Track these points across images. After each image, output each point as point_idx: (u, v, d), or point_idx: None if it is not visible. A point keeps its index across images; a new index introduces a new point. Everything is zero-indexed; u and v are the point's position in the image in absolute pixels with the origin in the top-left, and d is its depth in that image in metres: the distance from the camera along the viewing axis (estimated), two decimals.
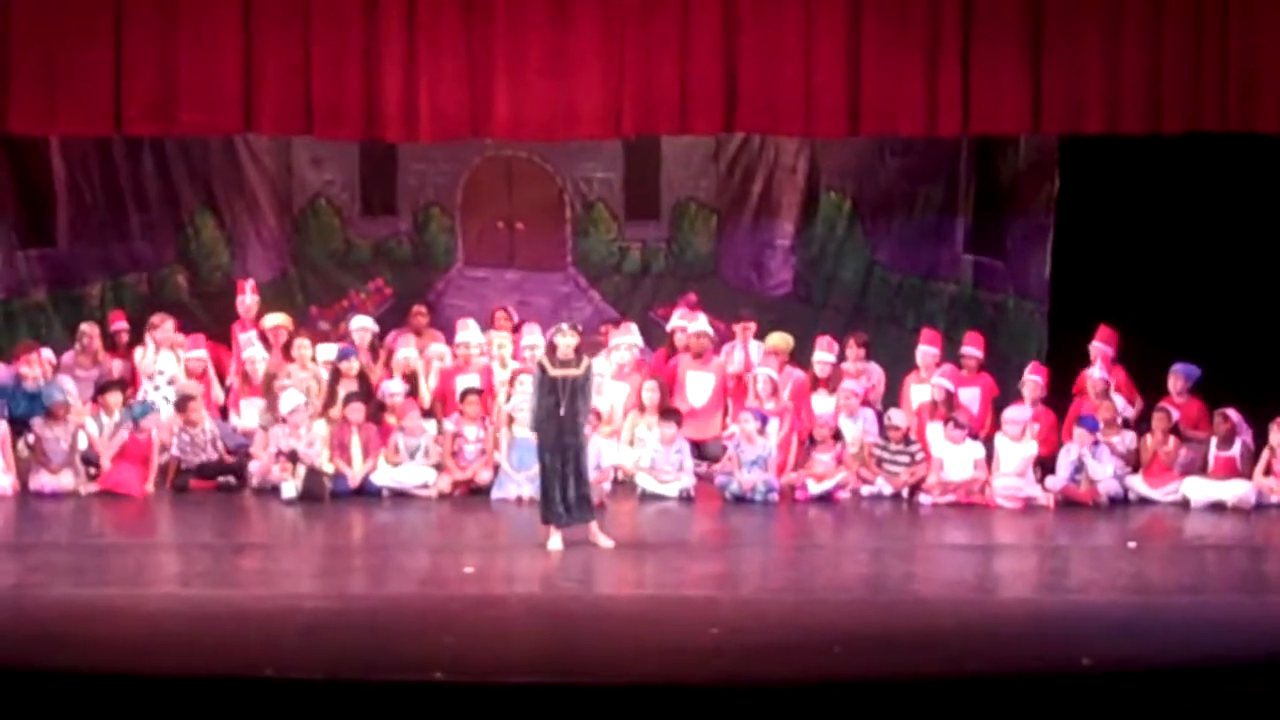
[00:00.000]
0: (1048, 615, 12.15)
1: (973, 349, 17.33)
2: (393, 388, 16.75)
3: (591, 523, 14.04)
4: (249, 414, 17.09)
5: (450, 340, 17.57)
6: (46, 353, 17.04)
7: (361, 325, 17.58)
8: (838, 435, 16.52)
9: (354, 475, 16.16)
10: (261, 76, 16.18)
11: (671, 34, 16.15)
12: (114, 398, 16.55)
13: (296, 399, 16.34)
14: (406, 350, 17.19)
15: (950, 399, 16.80)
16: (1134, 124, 16.16)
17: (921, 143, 18.08)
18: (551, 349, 14.12)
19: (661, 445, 16.39)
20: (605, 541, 14.00)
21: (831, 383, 17.05)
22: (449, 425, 16.53)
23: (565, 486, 13.85)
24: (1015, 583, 13.72)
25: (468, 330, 17.39)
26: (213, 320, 18.42)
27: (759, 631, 11.41)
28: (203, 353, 17.35)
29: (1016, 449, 16.17)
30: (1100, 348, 16.90)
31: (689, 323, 17.76)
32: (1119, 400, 16.64)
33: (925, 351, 17.24)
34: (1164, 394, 16.63)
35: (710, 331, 17.53)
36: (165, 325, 17.36)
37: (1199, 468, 16.13)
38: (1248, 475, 16.00)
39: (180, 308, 18.49)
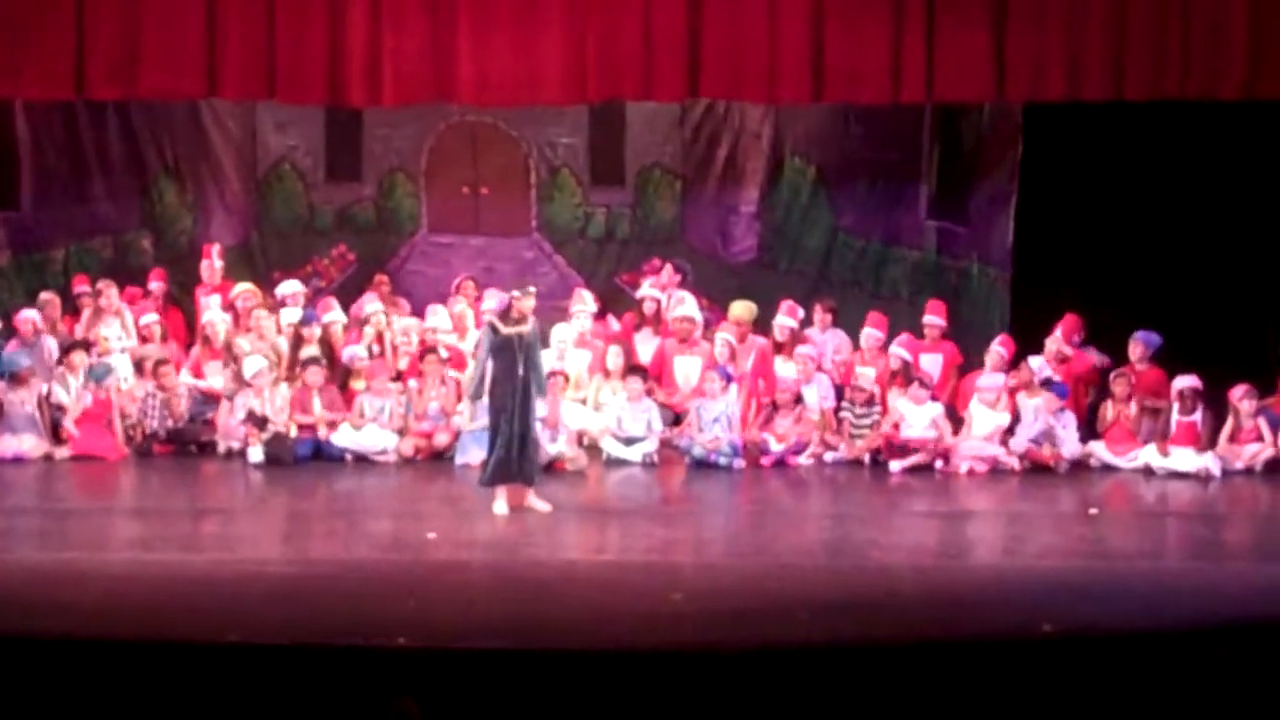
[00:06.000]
0: (1009, 581, 12.19)
1: (935, 318, 17.37)
2: (359, 352, 16.76)
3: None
4: (212, 377, 17.04)
5: (414, 310, 17.64)
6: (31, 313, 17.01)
7: (332, 319, 17.39)
8: (799, 399, 16.55)
9: (322, 432, 16.22)
10: (225, 39, 16.07)
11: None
12: (79, 357, 16.50)
13: (259, 363, 16.34)
14: (373, 305, 17.25)
15: (908, 367, 16.82)
16: (1097, 91, 16.18)
17: (885, 110, 17.98)
18: (505, 311, 14.04)
19: (628, 403, 16.40)
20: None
21: (792, 348, 17.04)
22: (412, 383, 16.60)
23: (516, 445, 13.79)
24: (977, 549, 13.78)
25: (436, 316, 17.36)
26: (178, 285, 18.33)
27: (722, 597, 11.44)
28: (154, 317, 17.32)
29: (990, 416, 16.23)
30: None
31: (665, 297, 17.71)
32: (1036, 361, 16.67)
33: (869, 334, 17.15)
34: (1125, 361, 16.68)
35: (696, 316, 17.38)
36: (109, 292, 17.23)
37: (1160, 435, 16.18)
38: (1209, 444, 16.07)
39: (145, 273, 18.37)
